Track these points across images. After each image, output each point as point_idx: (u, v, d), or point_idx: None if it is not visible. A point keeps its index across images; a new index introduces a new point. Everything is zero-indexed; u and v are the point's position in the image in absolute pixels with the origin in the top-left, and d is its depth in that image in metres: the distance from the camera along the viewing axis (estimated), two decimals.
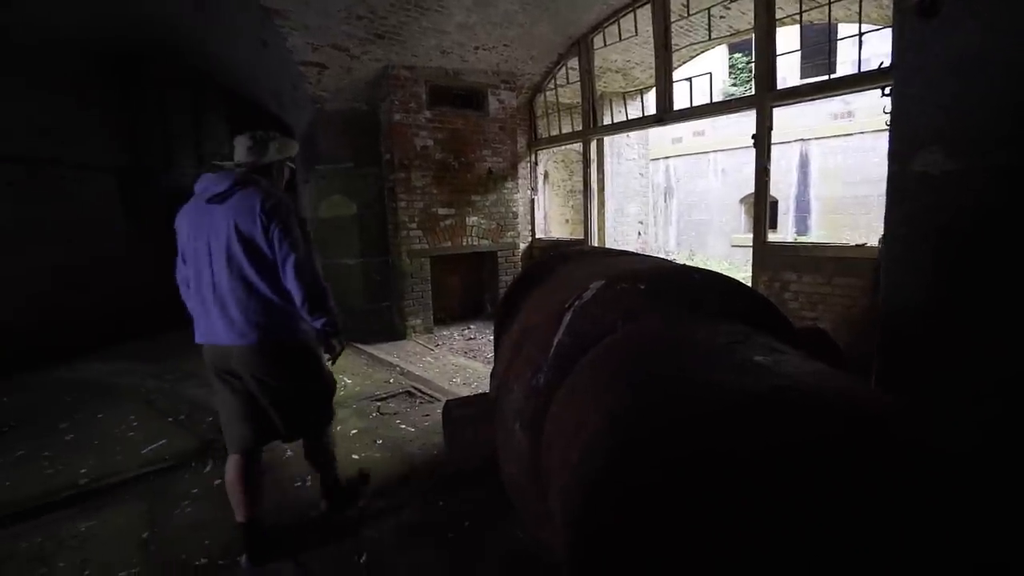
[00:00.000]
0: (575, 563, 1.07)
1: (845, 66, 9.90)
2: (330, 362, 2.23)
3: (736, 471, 0.85)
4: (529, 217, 6.73)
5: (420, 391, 4.00)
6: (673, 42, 5.07)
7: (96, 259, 5.98)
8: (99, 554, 2.24)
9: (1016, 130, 1.54)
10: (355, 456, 3.02)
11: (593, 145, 6.24)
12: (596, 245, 6.20)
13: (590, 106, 5.92)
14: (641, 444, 1.04)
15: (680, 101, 5.07)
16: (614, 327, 1.56)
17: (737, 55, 13.42)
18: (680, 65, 6.19)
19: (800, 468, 0.82)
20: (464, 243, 5.86)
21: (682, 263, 1.81)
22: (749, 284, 4.08)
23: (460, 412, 2.03)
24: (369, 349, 5.23)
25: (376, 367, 4.74)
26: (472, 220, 5.88)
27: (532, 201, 6.73)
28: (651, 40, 5.18)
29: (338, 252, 5.65)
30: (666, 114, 5.09)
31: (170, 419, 3.66)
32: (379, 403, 3.82)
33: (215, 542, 2.29)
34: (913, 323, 1.83)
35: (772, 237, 4.30)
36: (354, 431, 3.37)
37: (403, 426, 3.41)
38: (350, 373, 4.56)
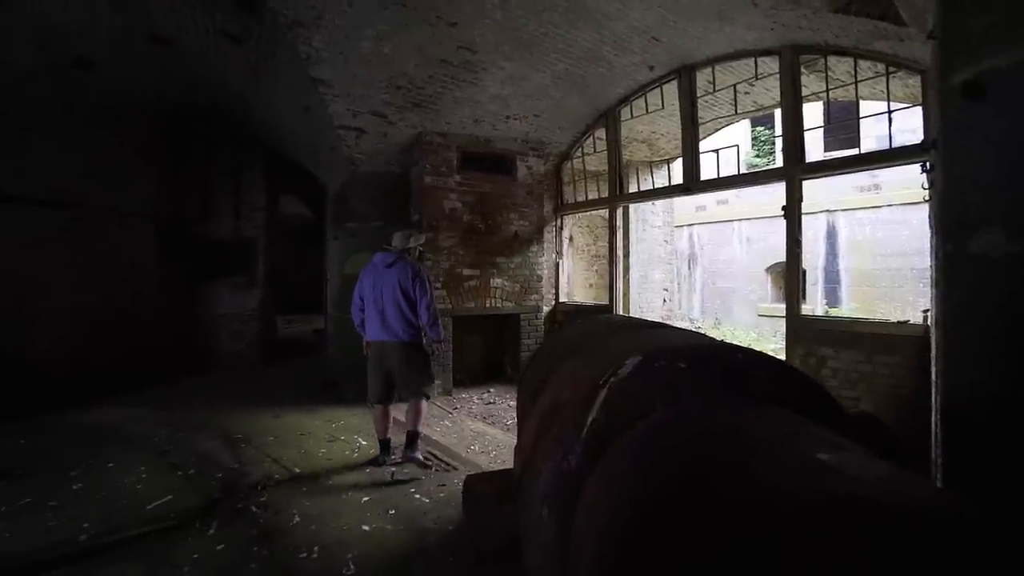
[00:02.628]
0: None
1: (868, 141, 10.01)
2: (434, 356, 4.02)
3: None
4: (553, 281, 6.71)
5: (437, 458, 3.83)
6: (699, 116, 5.20)
7: (127, 304, 6.13)
8: None
9: None
10: (365, 527, 2.85)
11: (619, 212, 6.30)
12: (622, 313, 6.11)
13: (616, 174, 6.02)
14: (675, 546, 0.92)
15: (706, 171, 5.12)
16: (652, 407, 1.45)
17: (760, 128, 13.73)
18: (705, 137, 6.32)
19: None
20: (487, 304, 5.84)
21: (723, 340, 1.72)
22: (783, 358, 3.90)
23: (481, 488, 1.90)
24: None
25: (393, 428, 4.60)
26: (496, 282, 5.88)
27: (557, 265, 6.74)
28: (676, 112, 5.33)
29: None
30: (694, 184, 5.13)
31: (179, 472, 3.56)
32: (393, 468, 3.66)
33: None
34: (978, 412, 1.67)
35: (803, 308, 4.16)
36: (366, 498, 3.20)
37: (417, 496, 3.23)
38: (365, 433, 4.42)
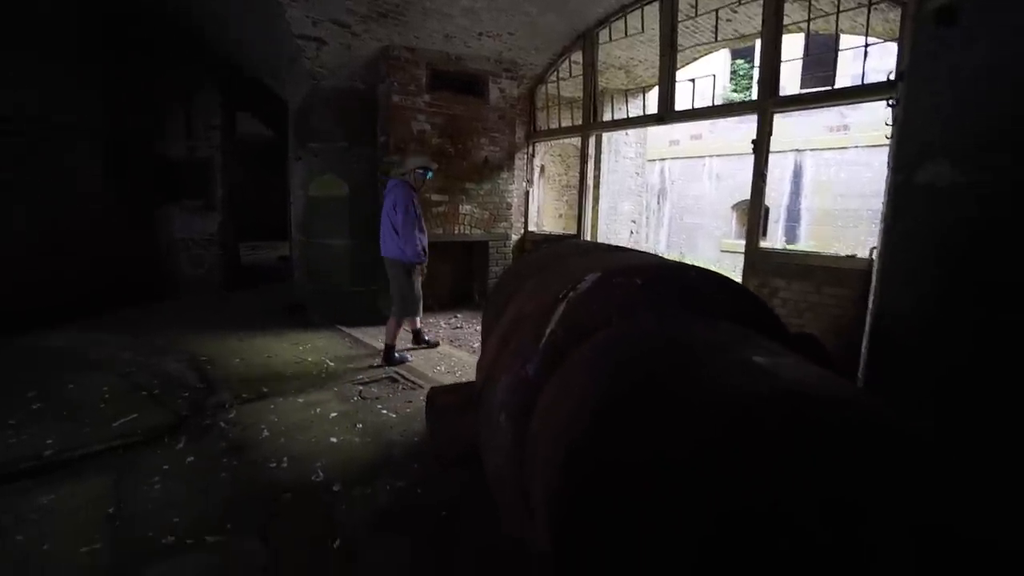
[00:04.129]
0: (558, 556, 1.03)
1: (844, 80, 9.95)
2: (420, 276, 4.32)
3: (735, 476, 0.82)
4: (523, 209, 6.67)
5: (403, 377, 3.94)
6: (679, 42, 5.03)
7: (75, 226, 5.80)
8: (60, 529, 2.15)
9: (1020, 145, 1.53)
10: (333, 439, 2.96)
11: (592, 141, 6.20)
12: (590, 240, 6.17)
13: (591, 101, 5.86)
14: (631, 447, 1.01)
15: (682, 102, 5.04)
16: (609, 321, 1.52)
17: (740, 61, 13.44)
18: (684, 66, 6.15)
19: (807, 481, 0.79)
20: (456, 231, 5.79)
21: (678, 260, 1.78)
22: None
23: (444, 400, 1.98)
24: (354, 332, 5.15)
25: (359, 350, 4.67)
26: (465, 208, 5.80)
27: (527, 193, 6.67)
28: (656, 38, 5.14)
29: (327, 232, 5.54)
30: (668, 113, 5.06)
31: (144, 393, 3.56)
32: (361, 387, 3.76)
33: (185, 520, 2.22)
34: (906, 334, 1.82)
35: (763, 244, 4.30)
36: (334, 414, 3.30)
37: (384, 411, 3.35)
38: (332, 355, 4.48)
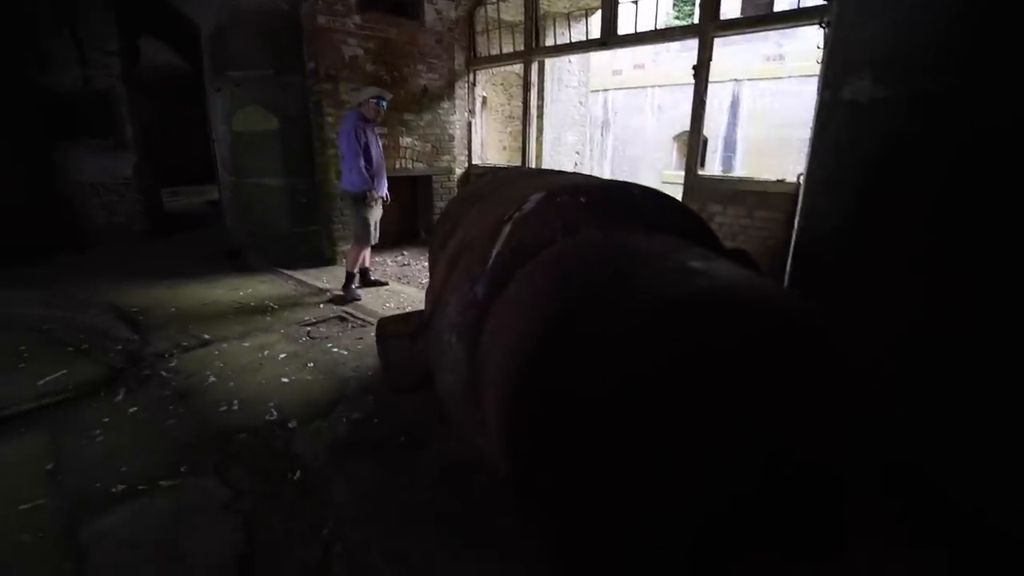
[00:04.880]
0: (510, 448, 1.10)
1: (782, 5, 10.01)
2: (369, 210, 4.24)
3: (681, 367, 0.89)
4: (466, 141, 6.47)
5: (352, 315, 3.90)
6: None
7: None
8: None
9: (940, 58, 1.61)
10: (285, 379, 2.93)
11: (535, 68, 5.99)
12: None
13: (534, 24, 5.61)
14: (579, 342, 1.06)
15: (625, 27, 4.92)
16: (554, 239, 1.55)
17: None
18: None
19: (733, 357, 0.86)
20: (397, 165, 5.57)
21: (622, 179, 1.81)
22: None
23: (394, 328, 2.00)
24: (296, 274, 4.98)
25: (305, 292, 4.55)
26: (406, 141, 5.57)
27: (469, 124, 6.45)
28: None
29: (259, 171, 5.19)
30: (610, 38, 4.94)
31: (70, 348, 3.33)
32: (309, 328, 3.69)
33: (135, 468, 2.17)
34: (827, 242, 1.97)
35: (701, 172, 4.42)
36: (283, 355, 3.25)
37: (335, 349, 3.33)
38: (276, 299, 4.34)
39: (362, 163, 4.02)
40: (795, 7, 3.87)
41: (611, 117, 13.78)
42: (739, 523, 0.87)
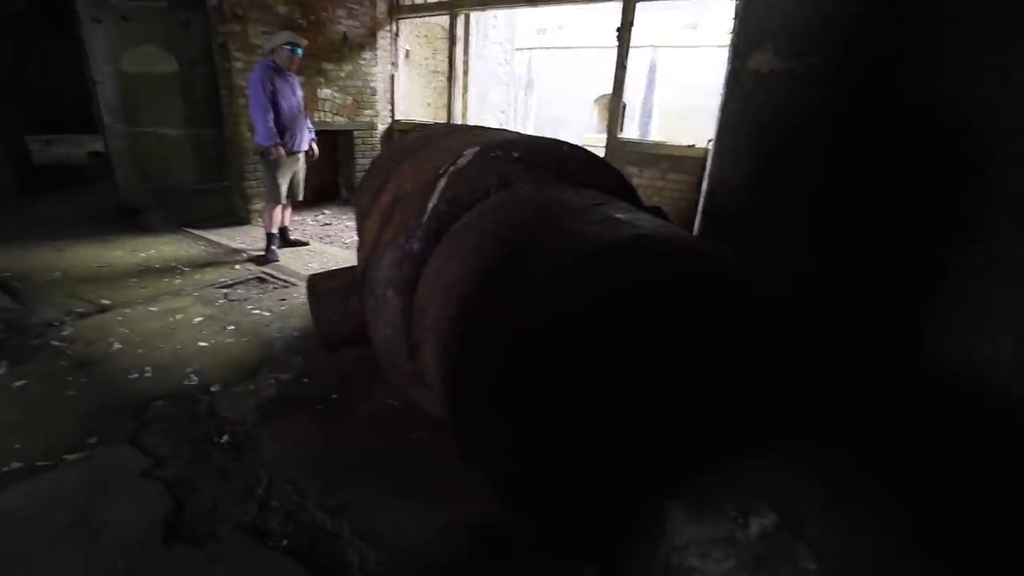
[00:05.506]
0: (451, 394, 1.18)
1: None
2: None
3: (608, 302, 0.99)
4: (389, 96, 6.20)
5: (273, 276, 3.73)
6: None
7: None
8: None
9: (826, 35, 1.81)
10: (203, 343, 2.79)
11: (461, 21, 5.81)
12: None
13: None
14: (517, 291, 1.14)
15: None
16: (488, 193, 1.60)
17: None
18: None
19: (656, 293, 0.98)
20: (316, 118, 5.24)
21: (551, 137, 1.88)
22: None
23: (327, 284, 1.97)
24: (207, 234, 4.63)
25: (218, 253, 4.26)
26: (325, 92, 5.24)
27: (392, 78, 6.17)
28: None
29: (155, 119, 4.67)
30: None
31: None
32: (226, 290, 3.49)
33: (32, 444, 2.00)
34: (730, 202, 2.18)
35: (620, 135, 4.61)
36: (199, 319, 3.07)
37: (256, 311, 3.19)
38: (185, 260, 4.04)
39: (271, 116, 3.76)
40: None
41: (535, 77, 13.73)
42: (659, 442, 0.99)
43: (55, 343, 2.75)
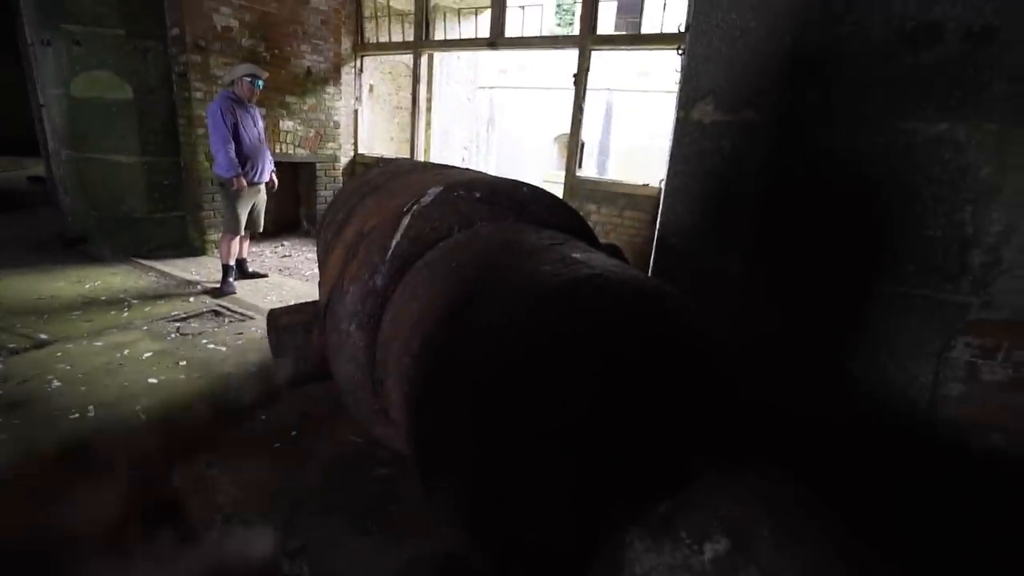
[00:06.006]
0: (417, 431, 1.21)
1: (653, 26, 11.07)
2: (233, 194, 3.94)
3: (565, 342, 1.06)
4: (352, 130, 6.27)
5: (229, 310, 3.64)
6: None
7: None
8: None
9: (755, 95, 2.01)
10: (153, 380, 2.68)
11: (424, 61, 5.99)
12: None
13: (423, 16, 5.61)
14: (478, 328, 1.20)
15: (512, 29, 5.15)
16: (451, 231, 1.66)
17: None
18: None
19: (611, 333, 1.06)
20: (277, 150, 5.24)
21: (512, 179, 1.98)
22: None
23: (288, 319, 1.96)
24: (159, 265, 4.47)
25: (170, 285, 4.12)
26: (287, 125, 5.26)
27: (356, 112, 6.26)
28: None
29: (106, 146, 4.54)
30: (499, 39, 5.13)
31: None
32: (179, 323, 3.38)
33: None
34: (680, 242, 2.33)
35: (579, 173, 4.81)
36: (148, 354, 2.95)
37: (211, 346, 3.10)
38: (134, 292, 3.89)
39: (231, 146, 3.76)
40: (659, 31, 4.39)
41: (497, 115, 14.13)
42: (615, 478, 1.04)
43: None
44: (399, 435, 1.60)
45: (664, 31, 4.33)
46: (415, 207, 1.67)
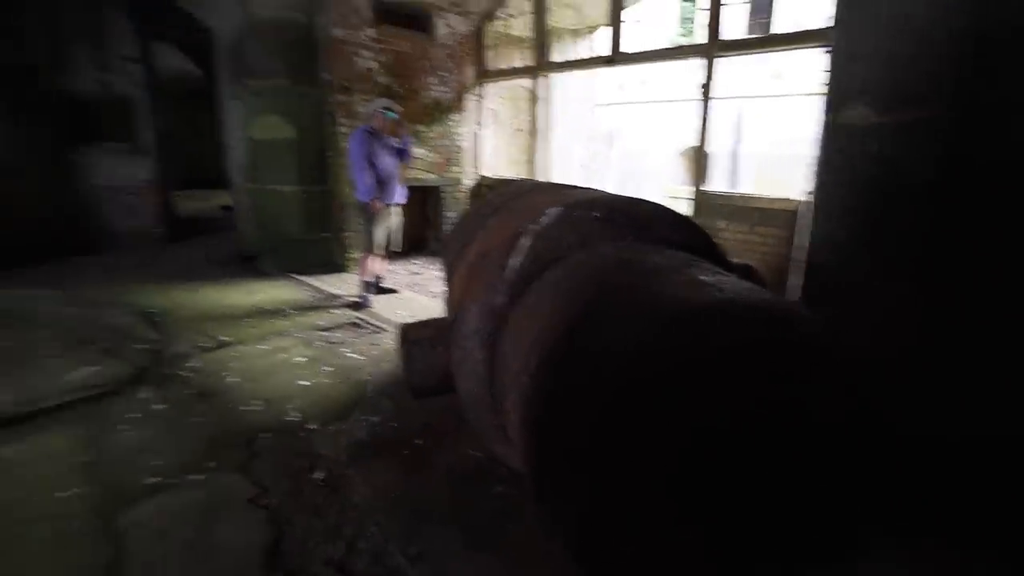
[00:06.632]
0: (532, 453, 1.21)
1: (784, 25, 10.20)
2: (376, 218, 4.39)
3: (691, 368, 1.00)
4: (475, 153, 6.61)
5: (366, 322, 4.01)
6: None
7: None
8: (30, 478, 2.17)
9: (923, 90, 1.74)
10: (303, 382, 3.04)
11: (543, 83, 6.15)
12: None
13: (542, 40, 5.77)
14: (598, 350, 1.17)
15: (631, 45, 5.08)
16: (569, 251, 1.66)
17: (688, 3, 13.37)
18: (633, 3, 6.13)
19: (742, 367, 0.97)
20: (409, 175, 5.70)
21: (633, 196, 1.92)
22: None
23: (417, 333, 2.10)
24: (310, 280, 5.10)
25: (319, 298, 4.67)
26: (418, 152, 5.70)
27: (477, 136, 6.60)
28: None
29: (274, 178, 5.33)
30: (617, 55, 5.09)
31: (94, 346, 3.46)
32: (325, 333, 3.81)
33: (164, 462, 2.28)
34: (833, 259, 2.08)
35: (706, 188, 4.54)
36: (300, 359, 3.36)
37: (351, 354, 3.44)
38: (291, 303, 4.46)
39: (368, 175, 4.16)
40: (797, 29, 4.01)
41: (617, 130, 13.97)
42: (750, 524, 0.95)
43: (183, 374, 3.14)
44: (516, 454, 1.62)
45: (805, 30, 3.95)
46: (534, 228, 1.70)
